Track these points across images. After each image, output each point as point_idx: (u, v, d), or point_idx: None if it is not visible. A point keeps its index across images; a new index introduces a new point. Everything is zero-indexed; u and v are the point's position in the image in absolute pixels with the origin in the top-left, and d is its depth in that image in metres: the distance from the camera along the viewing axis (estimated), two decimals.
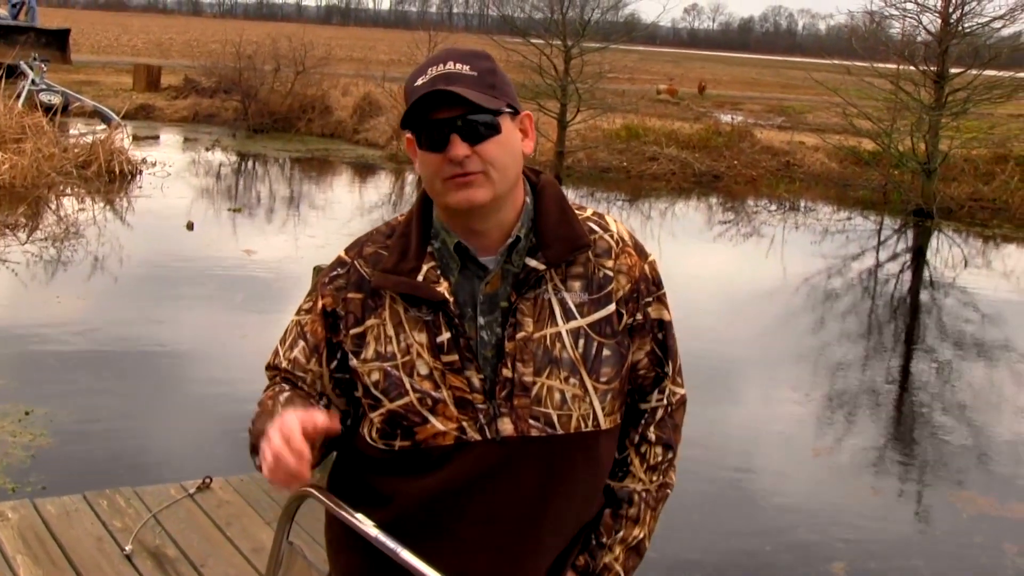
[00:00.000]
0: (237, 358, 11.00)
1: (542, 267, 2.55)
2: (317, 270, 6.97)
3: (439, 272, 2.54)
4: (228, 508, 6.50)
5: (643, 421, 2.78)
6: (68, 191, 19.61)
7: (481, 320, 2.55)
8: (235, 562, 5.86)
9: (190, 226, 17.31)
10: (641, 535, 2.79)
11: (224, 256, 15.59)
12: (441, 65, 2.48)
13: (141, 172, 22.11)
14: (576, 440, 2.59)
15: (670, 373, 2.78)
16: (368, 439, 2.65)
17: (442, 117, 2.45)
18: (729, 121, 36.70)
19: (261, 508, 6.53)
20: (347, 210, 20.88)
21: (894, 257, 21.95)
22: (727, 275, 17.86)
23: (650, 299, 2.70)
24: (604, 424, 2.63)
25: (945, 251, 22.50)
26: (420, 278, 2.53)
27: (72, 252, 15.04)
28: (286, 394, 2.61)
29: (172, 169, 23.04)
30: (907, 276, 19.93)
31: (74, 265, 14.34)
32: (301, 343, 2.67)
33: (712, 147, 30.91)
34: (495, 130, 2.48)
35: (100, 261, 14.63)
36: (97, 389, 9.78)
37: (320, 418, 2.36)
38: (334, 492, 2.65)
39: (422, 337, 2.53)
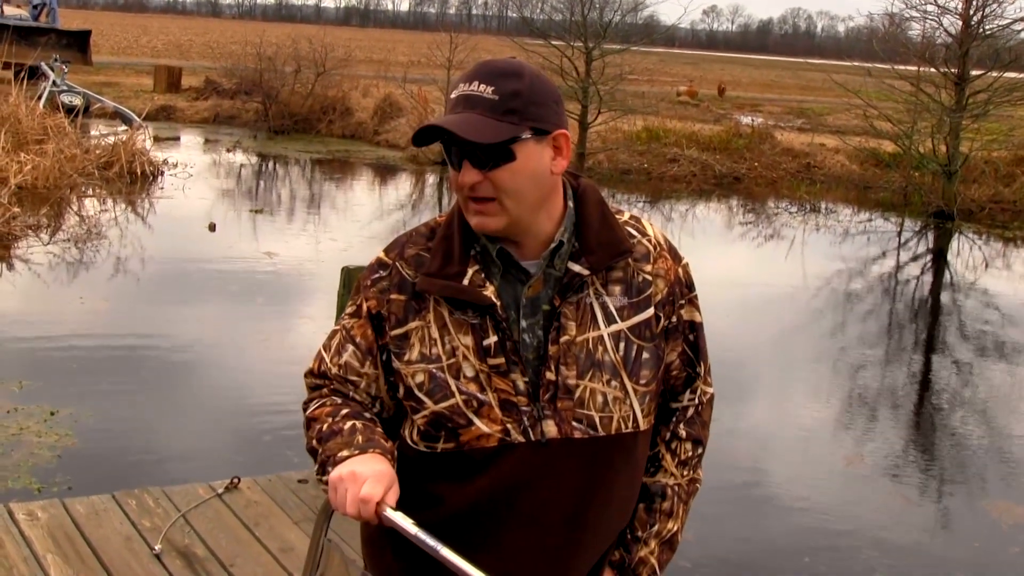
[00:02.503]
0: (259, 360, 11.04)
1: (586, 272, 2.57)
2: (345, 271, 6.99)
3: (483, 276, 2.56)
4: (256, 508, 6.52)
5: (674, 419, 2.82)
6: (90, 192, 19.70)
7: (524, 323, 2.57)
8: (263, 561, 5.88)
9: (212, 227, 17.36)
10: (675, 528, 2.82)
11: (246, 258, 15.61)
12: (467, 84, 2.49)
13: (162, 173, 22.20)
14: (616, 441, 2.62)
15: (701, 374, 2.83)
16: (409, 441, 2.68)
17: (458, 139, 2.45)
18: (749, 123, 36.63)
19: (289, 508, 6.55)
20: (368, 212, 20.92)
21: (915, 259, 21.89)
22: (748, 277, 17.81)
23: (683, 301, 2.74)
24: (642, 425, 2.67)
25: (966, 253, 22.45)
26: (465, 282, 2.54)
27: (94, 253, 15.10)
28: (351, 421, 2.60)
29: (193, 170, 23.10)
30: (928, 278, 19.87)
31: (97, 266, 14.40)
32: (351, 347, 2.68)
33: (732, 149, 30.89)
34: (507, 158, 2.47)
35: (122, 262, 14.69)
36: (121, 390, 9.80)
37: (393, 496, 2.43)
38: None
39: (468, 340, 2.55)
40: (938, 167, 26.38)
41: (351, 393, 2.69)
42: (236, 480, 6.80)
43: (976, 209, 26.25)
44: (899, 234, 24.32)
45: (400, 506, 2.45)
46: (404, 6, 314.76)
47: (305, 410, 2.74)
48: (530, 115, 2.49)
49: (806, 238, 21.90)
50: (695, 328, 2.78)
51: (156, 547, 5.85)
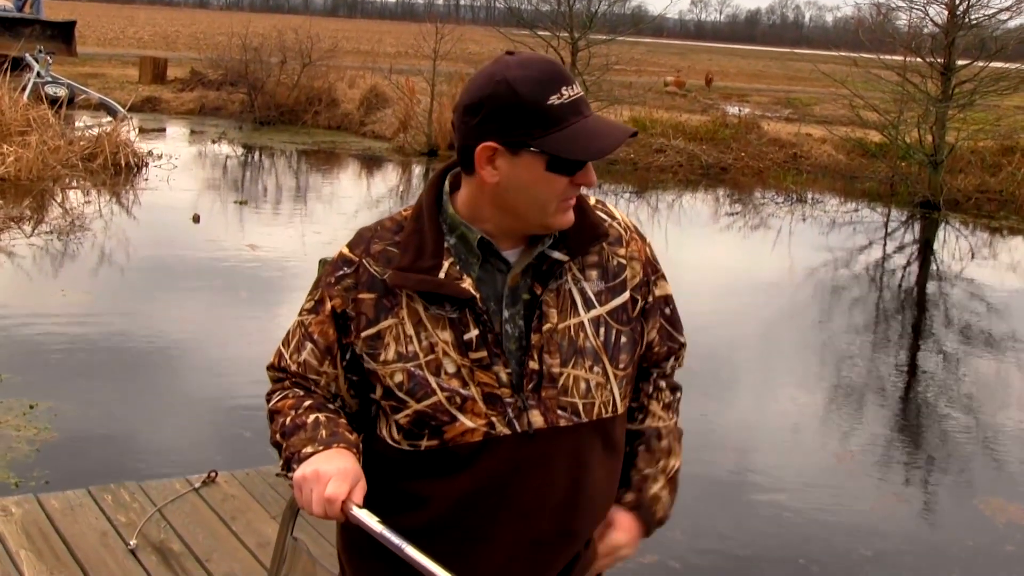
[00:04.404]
0: (241, 354, 10.97)
1: (565, 258, 2.56)
2: (323, 263, 6.93)
3: (459, 268, 2.51)
4: (233, 502, 6.47)
5: (654, 375, 2.86)
6: (74, 184, 19.58)
7: (505, 313, 2.54)
8: (240, 556, 5.83)
9: (196, 219, 17.27)
10: (676, 465, 2.84)
11: (230, 250, 15.54)
12: (572, 88, 2.44)
13: (147, 165, 22.06)
14: (598, 426, 2.61)
15: (684, 342, 2.90)
16: (389, 440, 2.62)
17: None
18: (736, 113, 36.56)
19: (266, 503, 6.50)
20: (354, 203, 20.81)
21: (901, 249, 21.86)
22: (735, 267, 17.79)
23: (655, 278, 2.76)
24: (620, 408, 2.67)
25: (952, 243, 22.44)
26: (442, 275, 2.49)
27: (77, 245, 15.02)
28: (315, 414, 2.58)
29: (178, 161, 22.99)
30: (915, 268, 19.84)
31: (79, 258, 14.32)
32: (309, 345, 2.63)
33: (719, 139, 30.82)
34: None
35: (106, 254, 14.61)
36: (102, 383, 9.74)
37: (359, 494, 2.39)
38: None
39: (447, 335, 2.50)
40: (924, 157, 26.34)
41: (312, 388, 2.66)
42: (213, 474, 6.75)
43: (962, 199, 26.21)
44: (886, 224, 24.29)
45: (385, 506, 2.42)
46: None
47: (268, 402, 2.72)
48: None
49: (793, 228, 21.86)
50: (668, 301, 2.82)
51: (132, 542, 5.80)
